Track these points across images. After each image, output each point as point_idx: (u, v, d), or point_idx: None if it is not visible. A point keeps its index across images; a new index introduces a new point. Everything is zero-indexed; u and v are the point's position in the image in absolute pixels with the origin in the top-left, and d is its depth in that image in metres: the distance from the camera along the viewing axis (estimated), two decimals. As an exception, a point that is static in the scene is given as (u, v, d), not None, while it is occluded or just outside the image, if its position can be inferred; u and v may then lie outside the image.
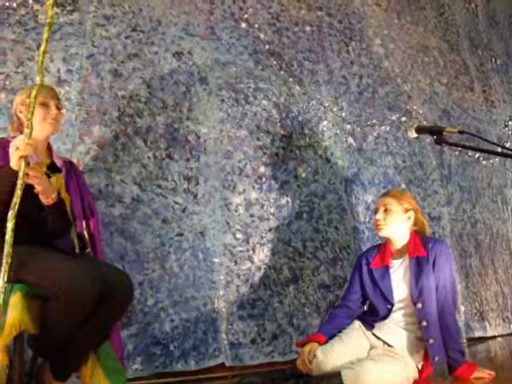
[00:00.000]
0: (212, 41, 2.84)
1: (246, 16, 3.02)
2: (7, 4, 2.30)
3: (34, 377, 1.58)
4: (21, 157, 1.41)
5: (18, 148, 1.41)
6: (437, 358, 1.96)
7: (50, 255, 1.53)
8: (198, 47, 2.77)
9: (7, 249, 1.32)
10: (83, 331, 1.52)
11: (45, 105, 1.71)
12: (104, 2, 2.53)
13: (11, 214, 1.36)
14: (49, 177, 1.66)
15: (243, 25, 2.99)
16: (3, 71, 2.22)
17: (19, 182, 1.39)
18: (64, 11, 2.41)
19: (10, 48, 2.26)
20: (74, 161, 2.17)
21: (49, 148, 1.81)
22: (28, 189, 1.46)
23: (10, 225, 1.35)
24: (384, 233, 2.08)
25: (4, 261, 1.31)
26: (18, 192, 1.38)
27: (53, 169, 1.72)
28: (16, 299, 1.40)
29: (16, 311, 1.38)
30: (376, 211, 2.11)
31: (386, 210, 2.06)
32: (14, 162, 1.42)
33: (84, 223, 1.87)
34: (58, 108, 1.76)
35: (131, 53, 2.54)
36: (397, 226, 2.07)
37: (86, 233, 1.87)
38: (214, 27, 2.88)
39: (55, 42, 2.35)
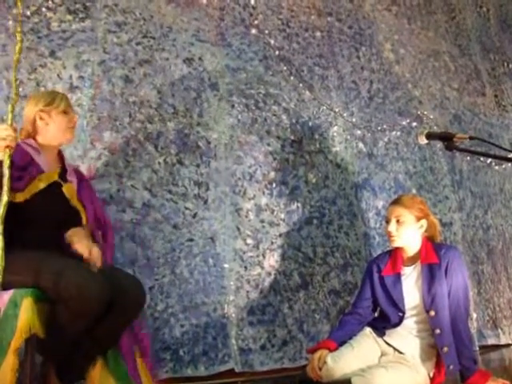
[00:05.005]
0: (222, 47, 2.85)
1: (256, 22, 3.03)
2: (21, 12, 2.33)
3: (40, 380, 1.58)
4: (6, 147, 1.42)
5: (4, 138, 1.41)
6: (452, 367, 1.93)
7: (63, 261, 1.54)
8: (208, 53, 2.78)
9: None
10: (92, 336, 1.53)
11: (66, 113, 1.77)
12: (115, 9, 2.56)
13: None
14: (60, 185, 1.67)
15: (253, 31, 3.00)
16: (16, 78, 2.24)
17: (4, 179, 1.39)
18: (76, 18, 2.44)
19: (23, 55, 2.29)
20: (85, 166, 2.19)
21: (60, 155, 1.82)
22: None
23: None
24: (397, 244, 2.05)
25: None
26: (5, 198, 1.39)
27: (64, 177, 1.73)
28: (27, 303, 1.42)
29: (27, 315, 1.40)
30: (387, 221, 2.07)
31: (398, 222, 2.03)
32: None
33: (100, 233, 1.85)
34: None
35: (142, 59, 2.56)
36: (410, 236, 2.04)
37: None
38: (225, 33, 2.89)
39: (67, 48, 2.38)
